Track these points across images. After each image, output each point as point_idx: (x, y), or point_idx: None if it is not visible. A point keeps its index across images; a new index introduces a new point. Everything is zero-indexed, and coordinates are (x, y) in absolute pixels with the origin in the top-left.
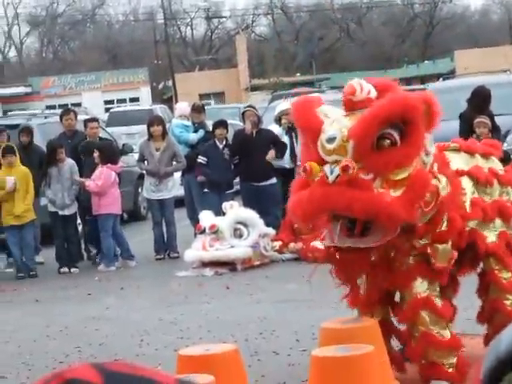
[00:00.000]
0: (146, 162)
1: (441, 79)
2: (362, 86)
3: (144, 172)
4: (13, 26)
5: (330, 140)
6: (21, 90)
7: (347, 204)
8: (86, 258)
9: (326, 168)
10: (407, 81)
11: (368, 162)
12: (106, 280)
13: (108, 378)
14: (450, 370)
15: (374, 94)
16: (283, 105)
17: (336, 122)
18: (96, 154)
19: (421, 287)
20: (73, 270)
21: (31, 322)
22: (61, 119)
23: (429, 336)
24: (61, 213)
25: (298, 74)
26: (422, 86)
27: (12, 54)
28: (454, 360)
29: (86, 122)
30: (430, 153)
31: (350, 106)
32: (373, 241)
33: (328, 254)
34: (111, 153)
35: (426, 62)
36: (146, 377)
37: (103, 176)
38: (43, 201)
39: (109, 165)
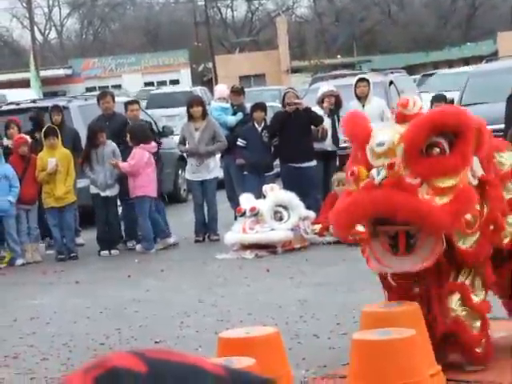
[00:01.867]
0: (187, 143)
1: (484, 61)
2: (416, 101)
3: (184, 154)
4: (53, 8)
5: (381, 144)
6: (61, 71)
7: (393, 208)
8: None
9: (373, 171)
10: (449, 63)
11: (416, 166)
12: (145, 262)
13: (151, 366)
14: (478, 350)
15: (424, 110)
16: (325, 87)
17: (387, 128)
18: (128, 137)
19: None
20: (113, 251)
21: (71, 303)
22: (98, 102)
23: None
24: (103, 194)
25: (339, 56)
26: (467, 68)
27: (52, 35)
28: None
29: (126, 104)
30: (476, 174)
31: (401, 118)
32: (422, 258)
33: (383, 281)
34: (142, 134)
35: (468, 44)
36: (190, 363)
37: (136, 156)
38: (81, 183)
39: (141, 145)
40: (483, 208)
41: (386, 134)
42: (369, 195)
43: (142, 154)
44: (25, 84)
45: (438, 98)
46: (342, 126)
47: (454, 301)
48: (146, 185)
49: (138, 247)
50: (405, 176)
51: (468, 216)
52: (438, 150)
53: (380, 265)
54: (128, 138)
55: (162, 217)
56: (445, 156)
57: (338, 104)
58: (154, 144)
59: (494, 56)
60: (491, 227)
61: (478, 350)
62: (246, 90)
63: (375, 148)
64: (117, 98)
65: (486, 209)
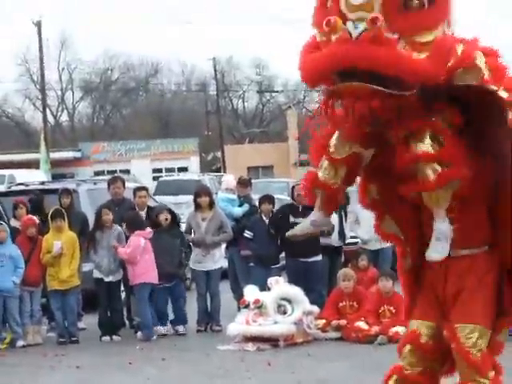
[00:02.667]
0: (193, 232)
1: None
2: None
3: (190, 243)
4: (66, 91)
5: (357, 2)
6: (70, 154)
7: (369, 59)
8: (129, 327)
9: (349, 23)
10: None
11: (394, 21)
12: (147, 349)
13: None
14: None
15: None
16: None
17: None
18: (124, 226)
19: None
20: (115, 337)
21: None
22: (108, 187)
23: None
24: (106, 279)
25: None
26: None
27: (64, 118)
28: None
29: (135, 190)
30: (452, 24)
31: None
32: None
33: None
34: (135, 221)
35: None
36: None
37: (131, 243)
38: (85, 266)
39: (137, 232)
40: None
41: None
42: (344, 48)
43: (137, 241)
44: (34, 165)
45: None
46: None
47: None
48: (144, 271)
49: (139, 335)
50: (383, 30)
51: None
52: (416, 2)
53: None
54: (124, 227)
55: (181, 303)
56: (424, 9)
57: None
58: (149, 230)
59: None
60: None
61: None
62: (253, 181)
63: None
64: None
65: None
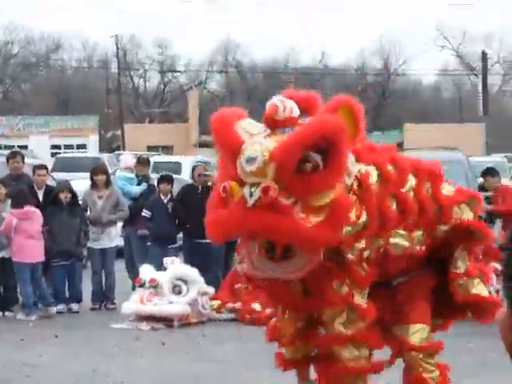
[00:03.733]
0: (89, 210)
1: None
2: (285, 104)
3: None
4: None
5: (250, 160)
6: None
7: (266, 229)
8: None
9: (246, 190)
10: None
11: (289, 185)
12: (40, 326)
13: None
14: None
15: (296, 112)
16: None
17: (257, 144)
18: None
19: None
20: (7, 313)
21: None
22: (7, 161)
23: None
24: None
25: None
26: None
27: None
28: None
29: (34, 168)
30: (352, 173)
31: (272, 124)
32: (295, 267)
33: (249, 280)
34: (18, 197)
35: (374, 132)
36: None
37: (4, 221)
38: None
39: (12, 210)
40: (361, 210)
41: (255, 149)
42: (242, 216)
43: (8, 220)
44: None
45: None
46: (211, 128)
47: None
48: (18, 251)
49: (20, 315)
50: (278, 196)
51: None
52: (310, 165)
53: (254, 267)
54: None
55: (76, 281)
56: (319, 172)
57: None
58: (27, 209)
59: (399, 146)
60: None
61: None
62: (152, 160)
63: (245, 165)
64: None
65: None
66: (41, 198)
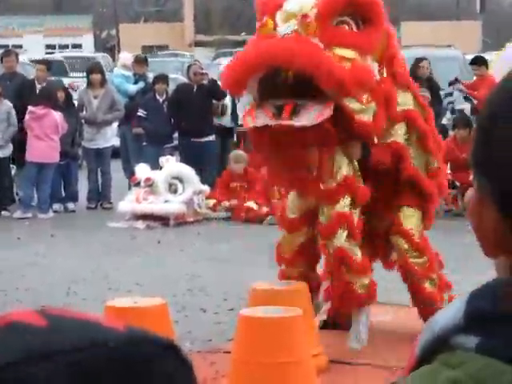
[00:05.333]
0: (84, 109)
1: None
2: None
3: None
4: None
5: (294, 8)
6: None
7: (289, 54)
8: (18, 202)
9: (281, 27)
10: None
11: (323, 32)
12: (36, 225)
13: (51, 320)
14: (361, 291)
15: None
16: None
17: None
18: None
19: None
20: (3, 212)
21: None
22: (1, 60)
23: (342, 251)
24: None
25: (243, 33)
26: None
27: None
28: (366, 282)
29: (36, 63)
30: (376, 76)
31: None
32: (307, 119)
33: (259, 139)
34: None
35: None
36: (91, 321)
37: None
38: None
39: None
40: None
41: (299, 1)
42: (267, 42)
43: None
44: None
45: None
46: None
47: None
48: (28, 149)
49: (16, 213)
50: (311, 37)
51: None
52: (346, 27)
53: (259, 122)
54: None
55: (72, 181)
56: (352, 31)
57: None
58: (35, 108)
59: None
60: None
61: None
62: (148, 59)
63: (288, 8)
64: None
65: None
66: None
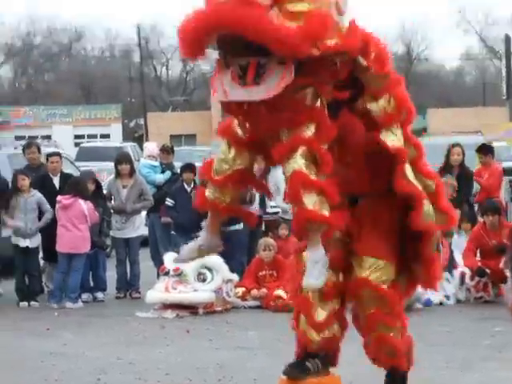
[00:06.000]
0: (113, 200)
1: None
2: None
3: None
4: None
5: None
6: None
7: (238, 20)
8: (47, 293)
9: None
10: None
11: None
12: (64, 315)
13: None
14: None
15: None
16: None
17: None
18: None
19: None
20: (32, 303)
21: None
22: (23, 152)
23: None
24: (23, 244)
25: None
26: None
27: None
28: None
29: (47, 156)
30: (343, 13)
31: None
32: (268, 88)
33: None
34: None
35: None
36: None
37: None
38: (4, 232)
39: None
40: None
41: None
42: (214, 8)
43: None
44: None
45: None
46: None
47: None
48: (57, 239)
49: (46, 303)
50: None
51: None
52: None
53: (225, 96)
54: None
55: (100, 270)
56: None
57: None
58: (61, 197)
59: (423, 131)
60: None
61: None
62: (175, 149)
63: None
64: (47, 149)
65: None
66: (57, 185)
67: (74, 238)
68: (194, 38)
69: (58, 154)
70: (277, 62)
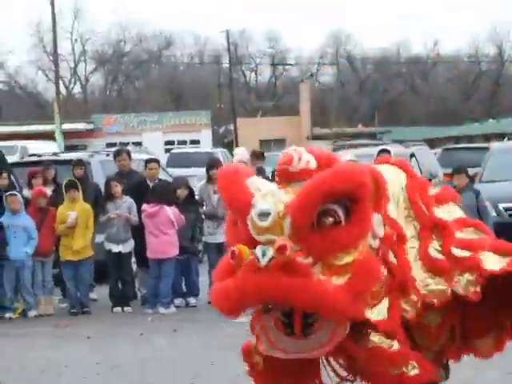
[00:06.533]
0: (205, 205)
1: (505, 138)
2: (301, 154)
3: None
4: (79, 63)
5: (263, 215)
6: (82, 126)
7: (284, 294)
8: (140, 298)
9: (258, 249)
10: (470, 138)
11: (307, 242)
12: (158, 321)
13: None
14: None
15: (313, 164)
16: (346, 156)
17: (270, 196)
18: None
19: None
20: (126, 308)
21: (82, 358)
22: (114, 159)
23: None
24: (116, 250)
25: (360, 125)
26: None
27: (77, 89)
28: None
29: (146, 162)
30: (378, 236)
31: (286, 177)
32: (320, 342)
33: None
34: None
35: (489, 120)
36: None
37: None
38: (98, 238)
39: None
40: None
41: (267, 202)
42: (253, 280)
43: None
44: (46, 136)
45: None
46: (218, 184)
47: None
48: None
49: (140, 308)
50: (295, 255)
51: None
52: (331, 219)
53: (272, 347)
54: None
55: (193, 276)
56: (340, 227)
57: None
58: (147, 206)
59: None
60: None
61: None
62: (265, 154)
63: (257, 221)
64: (138, 156)
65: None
66: None
67: (161, 244)
68: (235, 311)
69: (157, 161)
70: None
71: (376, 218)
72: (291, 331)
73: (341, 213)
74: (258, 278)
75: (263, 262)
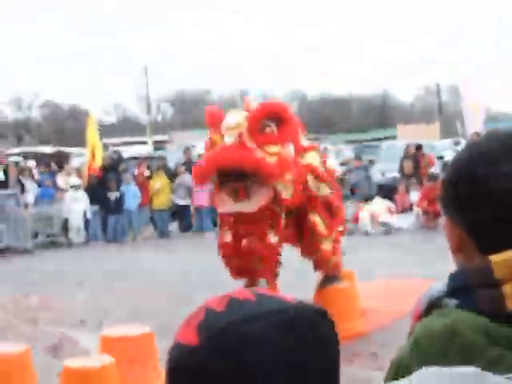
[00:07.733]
0: None
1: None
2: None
3: None
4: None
5: (232, 121)
6: (166, 137)
7: (239, 160)
8: None
9: (226, 137)
10: None
11: (255, 137)
12: None
13: (258, 296)
14: None
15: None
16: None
17: (236, 113)
18: None
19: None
20: None
21: None
22: (184, 154)
23: None
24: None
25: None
26: None
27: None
28: None
29: None
30: (291, 151)
31: (246, 108)
32: (255, 203)
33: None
34: None
35: None
36: (280, 297)
37: None
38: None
39: None
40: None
41: (235, 116)
42: (222, 151)
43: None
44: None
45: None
46: (206, 118)
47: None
48: None
49: None
50: (247, 142)
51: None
52: (269, 129)
53: (224, 208)
54: None
55: None
56: (273, 133)
57: None
58: None
59: None
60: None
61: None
62: None
63: (228, 124)
64: None
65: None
66: None
67: None
68: (206, 174)
69: None
70: (259, 184)
71: (291, 148)
72: (236, 197)
73: (274, 128)
74: (223, 150)
75: (228, 142)
